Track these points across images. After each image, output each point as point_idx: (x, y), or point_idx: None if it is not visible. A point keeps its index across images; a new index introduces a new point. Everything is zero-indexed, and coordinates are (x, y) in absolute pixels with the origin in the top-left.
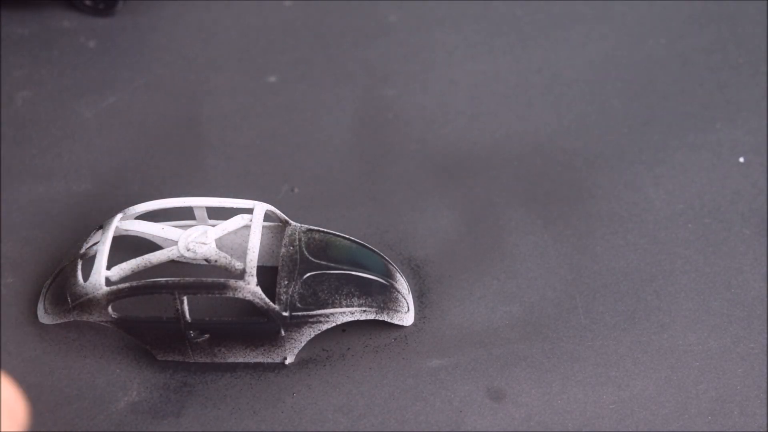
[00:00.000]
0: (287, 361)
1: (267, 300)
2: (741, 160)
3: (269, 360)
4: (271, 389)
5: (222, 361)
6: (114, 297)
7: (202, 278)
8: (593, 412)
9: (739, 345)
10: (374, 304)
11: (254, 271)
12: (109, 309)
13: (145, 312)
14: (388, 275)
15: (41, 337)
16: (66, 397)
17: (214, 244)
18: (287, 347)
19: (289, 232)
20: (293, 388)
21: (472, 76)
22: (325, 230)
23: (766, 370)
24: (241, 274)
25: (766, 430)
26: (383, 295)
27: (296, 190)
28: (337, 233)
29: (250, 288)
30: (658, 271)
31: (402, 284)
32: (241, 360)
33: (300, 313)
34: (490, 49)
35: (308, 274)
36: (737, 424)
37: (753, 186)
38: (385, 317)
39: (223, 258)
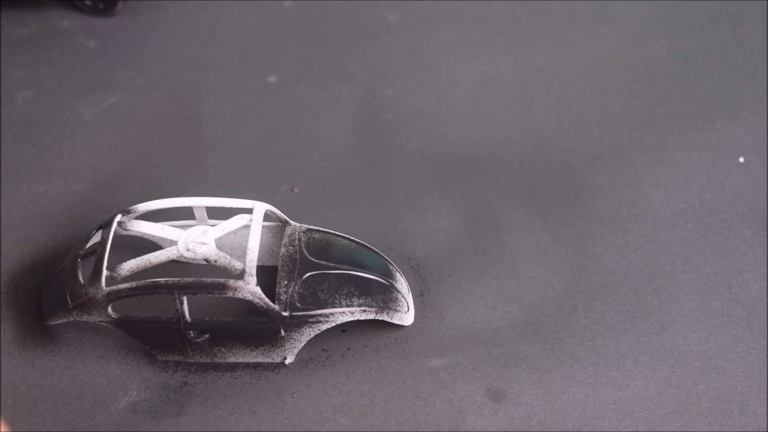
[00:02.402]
0: (287, 361)
1: (267, 300)
2: (741, 160)
3: (269, 360)
4: (271, 389)
5: (222, 361)
6: (114, 297)
7: (201, 278)
8: (593, 412)
9: (739, 345)
10: (374, 304)
11: (254, 271)
12: (109, 309)
13: (145, 312)
14: (388, 275)
15: (41, 337)
16: (66, 397)
17: (213, 244)
18: (287, 347)
19: (289, 232)
20: (293, 388)
21: (472, 76)
22: (325, 230)
23: (766, 370)
24: (240, 274)
25: (766, 430)
26: (383, 295)
27: (296, 190)
28: (337, 233)
29: (250, 288)
30: (658, 271)
31: (402, 284)
32: (241, 360)
33: (300, 313)
34: (490, 49)
35: (308, 274)
36: (737, 424)
37: (753, 186)
38: (385, 317)
39: (223, 258)
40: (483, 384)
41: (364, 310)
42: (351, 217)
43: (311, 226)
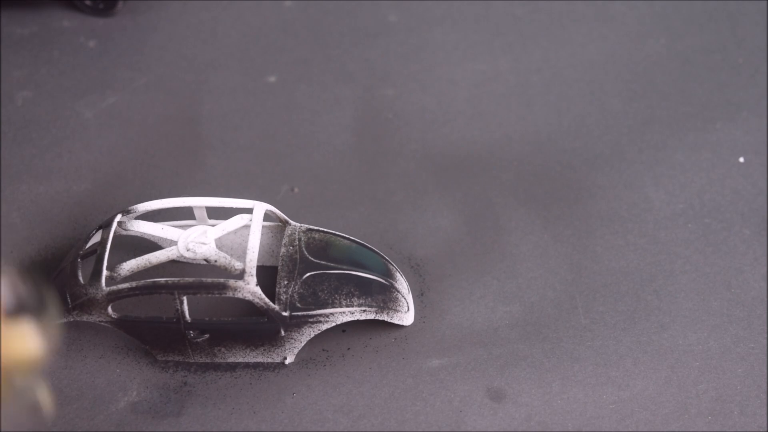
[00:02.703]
0: (287, 361)
1: (267, 300)
2: (741, 160)
3: (269, 360)
4: (271, 389)
5: (222, 361)
6: (114, 297)
7: (202, 278)
8: (593, 412)
9: (739, 345)
10: (374, 304)
11: (254, 271)
12: (109, 309)
13: (145, 312)
14: (388, 275)
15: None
16: (66, 397)
17: (213, 244)
18: (287, 347)
19: (289, 232)
20: (293, 388)
21: (472, 76)
22: (325, 230)
23: (766, 370)
24: (240, 274)
25: (766, 430)
26: (383, 295)
27: (296, 190)
28: (337, 233)
29: (250, 288)
30: (658, 271)
31: (402, 284)
32: (241, 360)
33: (300, 313)
34: (490, 49)
35: (308, 274)
36: (737, 424)
37: (753, 186)
38: (385, 317)
39: (223, 258)
40: (483, 384)
41: (364, 310)
42: (351, 217)
43: (311, 226)
